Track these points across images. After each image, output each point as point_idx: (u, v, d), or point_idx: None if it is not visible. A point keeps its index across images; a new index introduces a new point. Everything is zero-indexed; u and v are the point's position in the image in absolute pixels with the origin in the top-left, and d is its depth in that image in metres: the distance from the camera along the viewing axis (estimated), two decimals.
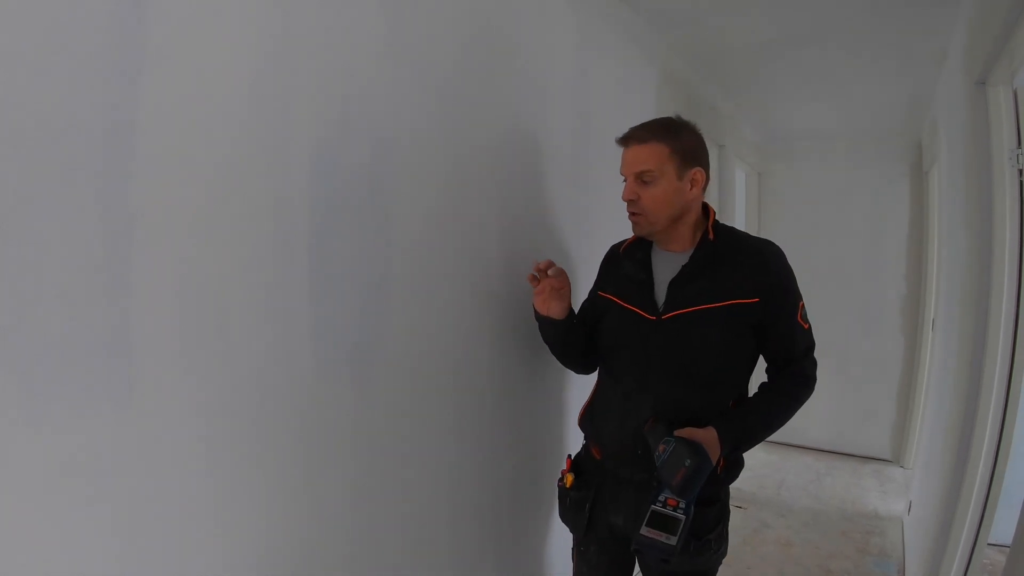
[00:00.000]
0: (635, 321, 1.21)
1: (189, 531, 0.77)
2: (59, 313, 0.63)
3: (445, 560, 1.28)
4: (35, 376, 0.61)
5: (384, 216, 1.05)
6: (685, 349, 1.16)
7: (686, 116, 1.24)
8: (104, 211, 0.66)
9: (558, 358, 1.42)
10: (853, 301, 3.75)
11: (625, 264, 1.27)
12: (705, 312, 1.15)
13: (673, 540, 1.01)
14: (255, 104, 0.82)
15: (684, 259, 1.19)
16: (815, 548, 2.57)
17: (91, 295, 0.66)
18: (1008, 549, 1.27)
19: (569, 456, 1.38)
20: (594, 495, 1.29)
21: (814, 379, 1.23)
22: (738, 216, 3.63)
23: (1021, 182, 1.50)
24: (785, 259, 1.19)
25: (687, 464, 1.03)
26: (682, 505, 1.04)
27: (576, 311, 1.42)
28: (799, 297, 1.19)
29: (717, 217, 1.25)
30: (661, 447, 1.08)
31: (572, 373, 1.72)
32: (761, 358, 1.26)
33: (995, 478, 1.55)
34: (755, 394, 1.22)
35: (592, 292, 1.40)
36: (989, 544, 1.62)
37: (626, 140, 1.20)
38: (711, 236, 1.19)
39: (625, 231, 1.41)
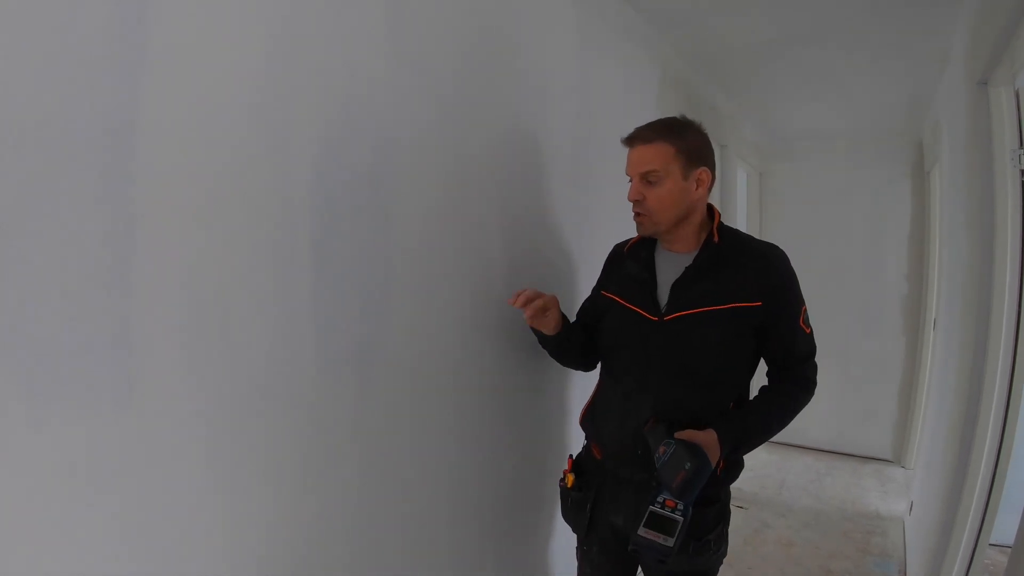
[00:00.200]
0: (637, 321, 1.21)
1: (190, 531, 0.77)
2: (60, 313, 0.63)
3: (447, 560, 1.28)
4: (36, 376, 0.61)
5: (386, 216, 1.05)
6: (686, 350, 1.16)
7: (689, 116, 1.24)
8: (106, 211, 0.67)
9: (556, 360, 1.42)
10: (854, 301, 3.75)
11: (628, 264, 1.27)
12: (707, 314, 1.14)
13: (670, 541, 1.01)
14: (257, 104, 0.82)
15: (688, 260, 1.19)
16: (816, 548, 2.57)
17: (92, 295, 0.66)
18: (1010, 549, 1.27)
19: (571, 456, 1.38)
20: (595, 495, 1.29)
21: (815, 384, 1.23)
22: (739, 216, 3.63)
23: (1023, 182, 1.50)
24: (789, 263, 1.19)
25: (687, 467, 1.03)
26: (680, 507, 1.04)
27: (577, 311, 1.42)
28: (802, 302, 1.19)
29: (721, 219, 1.25)
30: (661, 449, 1.08)
31: (574, 373, 1.72)
32: (763, 361, 1.26)
33: (997, 478, 1.55)
34: (755, 397, 1.22)
35: (595, 291, 1.40)
36: (990, 544, 1.62)
37: (631, 140, 1.20)
38: (716, 238, 1.19)
39: (626, 231, 1.40)
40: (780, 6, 1.95)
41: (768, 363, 1.25)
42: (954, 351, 2.05)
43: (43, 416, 0.62)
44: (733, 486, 1.27)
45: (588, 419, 1.36)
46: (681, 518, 1.03)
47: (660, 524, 1.03)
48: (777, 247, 1.21)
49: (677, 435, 1.09)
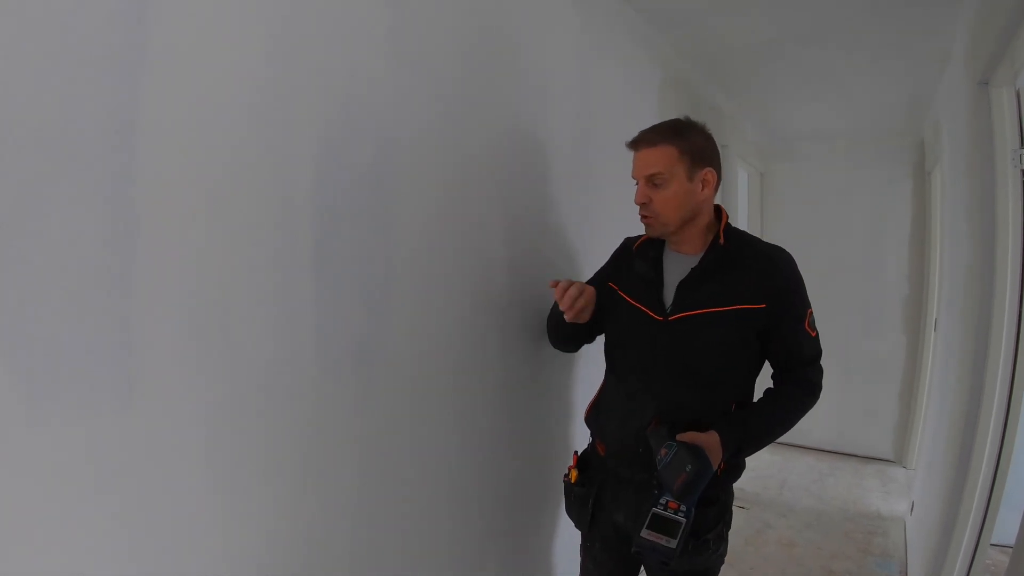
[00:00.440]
0: (642, 320, 1.22)
1: (190, 531, 0.77)
2: (61, 313, 0.63)
3: (449, 559, 1.28)
4: (36, 376, 0.62)
5: (387, 216, 1.05)
6: (690, 351, 1.17)
7: (692, 117, 1.24)
8: (106, 212, 0.67)
9: (554, 339, 1.43)
10: (855, 301, 3.75)
11: (636, 262, 1.28)
12: (712, 315, 1.15)
13: (673, 543, 1.01)
14: (257, 104, 0.82)
15: (694, 261, 1.20)
16: (817, 548, 2.57)
17: (93, 295, 0.66)
18: (1011, 549, 1.27)
19: (576, 452, 1.38)
20: (597, 491, 1.30)
21: (819, 387, 1.23)
22: (740, 216, 3.63)
23: None
24: (795, 266, 1.19)
25: (688, 469, 1.03)
26: (683, 508, 1.04)
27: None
28: (807, 305, 1.19)
29: (728, 220, 1.25)
30: (663, 451, 1.08)
31: (577, 371, 1.73)
32: (767, 364, 1.26)
33: (998, 478, 1.55)
34: (759, 399, 1.22)
35: (600, 276, 1.40)
36: (992, 544, 1.61)
37: (636, 144, 1.21)
38: (722, 241, 1.19)
39: (626, 231, 1.41)
40: (780, 6, 1.95)
41: (773, 365, 1.25)
42: (955, 351, 2.05)
43: (43, 416, 0.62)
44: (735, 486, 1.27)
45: (592, 416, 1.37)
46: (684, 520, 1.03)
47: (663, 526, 1.04)
48: (783, 250, 1.21)
49: (679, 437, 1.09)
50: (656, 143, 1.17)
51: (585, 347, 1.57)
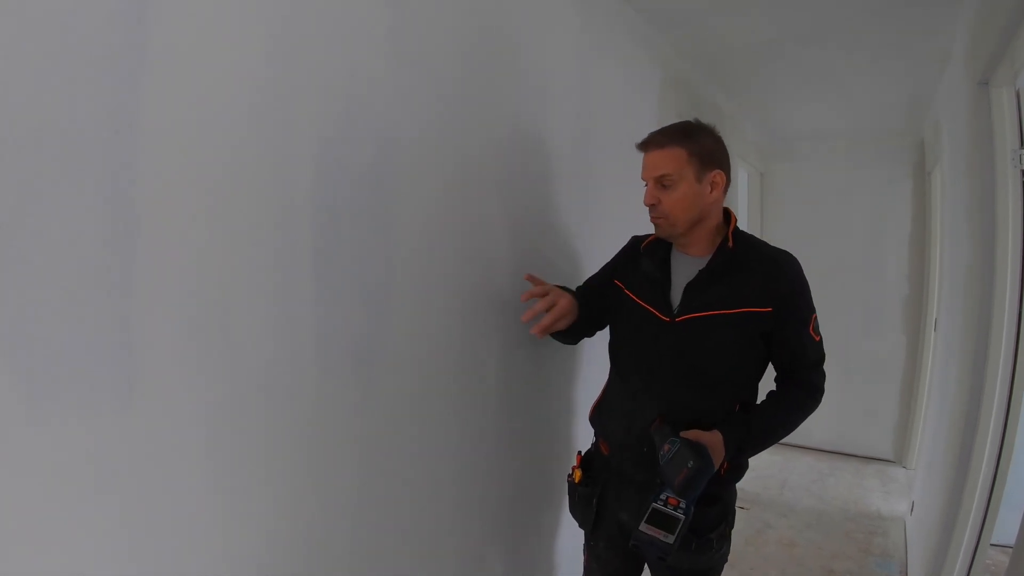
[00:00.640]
0: (648, 320, 1.22)
1: (190, 531, 0.77)
2: (61, 313, 0.63)
3: (451, 559, 1.29)
4: (36, 376, 0.62)
5: (387, 216, 1.05)
6: (695, 352, 1.17)
7: (689, 116, 1.25)
8: (107, 212, 0.67)
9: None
10: (855, 301, 3.75)
11: (644, 262, 1.28)
12: (718, 317, 1.15)
13: (671, 538, 1.02)
14: (257, 104, 0.82)
15: (701, 263, 1.20)
16: (818, 548, 2.57)
17: (93, 295, 0.66)
18: (1011, 549, 1.27)
19: (579, 452, 1.39)
20: (601, 491, 1.30)
21: (822, 391, 1.23)
22: (740, 216, 3.62)
23: (1023, 182, 1.50)
24: (801, 271, 1.20)
25: (690, 465, 1.04)
26: (683, 505, 1.05)
27: (585, 282, 1.44)
28: (812, 310, 1.20)
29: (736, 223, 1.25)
30: (666, 447, 1.09)
31: (579, 370, 1.73)
32: (770, 366, 1.27)
33: (998, 478, 1.55)
34: (762, 402, 1.23)
35: (607, 272, 1.40)
36: (992, 544, 1.61)
37: (645, 145, 1.20)
38: (730, 244, 1.19)
39: (626, 230, 1.41)
40: (780, 6, 1.95)
41: (776, 368, 1.26)
42: (955, 351, 2.05)
43: (43, 416, 0.62)
44: (736, 486, 1.27)
45: (596, 415, 1.37)
46: (683, 516, 1.04)
47: (662, 521, 1.05)
48: (790, 254, 1.21)
49: (683, 435, 1.10)
50: (665, 145, 1.17)
51: (587, 348, 1.58)
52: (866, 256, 3.75)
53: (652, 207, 1.20)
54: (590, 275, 1.47)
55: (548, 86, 1.54)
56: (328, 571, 0.98)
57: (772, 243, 1.25)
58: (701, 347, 1.17)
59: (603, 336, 1.48)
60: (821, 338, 1.22)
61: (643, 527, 1.05)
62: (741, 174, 3.68)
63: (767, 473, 3.40)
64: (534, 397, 1.55)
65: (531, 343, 1.46)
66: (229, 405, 0.81)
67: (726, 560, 1.25)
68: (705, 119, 1.25)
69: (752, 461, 1.30)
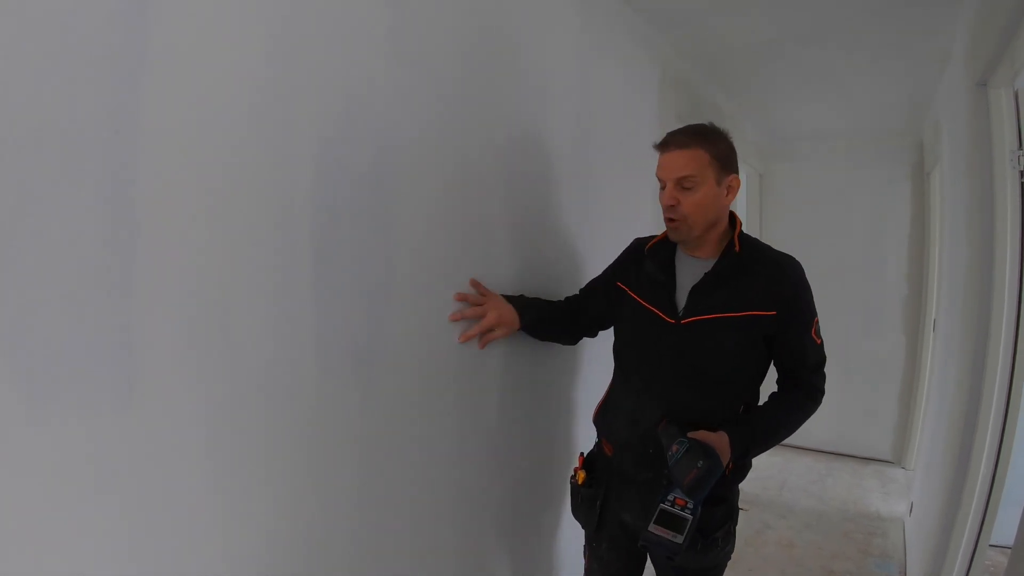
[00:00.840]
0: (653, 322, 1.22)
1: (190, 531, 0.77)
2: (61, 313, 0.63)
3: (451, 560, 1.29)
4: (36, 376, 0.62)
5: (388, 217, 1.05)
6: (700, 354, 1.18)
7: (687, 116, 1.25)
8: (107, 212, 0.67)
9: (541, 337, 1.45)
10: (854, 302, 3.75)
11: (647, 263, 1.28)
12: (724, 320, 1.16)
13: (679, 539, 1.03)
14: (257, 105, 0.82)
15: (707, 266, 1.21)
16: (817, 549, 2.57)
17: (93, 296, 0.66)
18: (1010, 550, 1.27)
19: (581, 453, 1.39)
20: (604, 492, 1.30)
21: (822, 392, 1.25)
22: (740, 217, 3.62)
23: (1022, 183, 1.50)
24: (803, 274, 1.21)
25: (699, 465, 1.05)
26: (690, 505, 1.06)
27: (586, 285, 1.45)
28: (814, 313, 1.21)
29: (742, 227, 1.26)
30: (674, 447, 1.09)
31: (580, 371, 1.73)
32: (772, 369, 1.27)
33: (996, 479, 1.55)
34: (765, 404, 1.24)
35: (608, 276, 1.40)
36: (991, 545, 1.61)
37: (666, 145, 1.19)
38: (737, 248, 1.20)
39: (626, 230, 1.41)
40: (780, 6, 1.95)
41: (778, 370, 1.27)
42: (954, 352, 2.05)
43: (43, 416, 0.62)
44: None
45: (600, 416, 1.37)
46: (690, 516, 1.05)
47: (670, 521, 1.06)
48: (793, 258, 1.22)
49: (690, 435, 1.11)
50: (689, 145, 1.16)
51: (588, 348, 1.58)
52: (865, 256, 3.75)
53: (671, 208, 1.18)
54: (590, 275, 1.48)
55: (548, 86, 1.54)
56: (328, 571, 0.98)
57: (772, 244, 1.26)
58: (705, 349, 1.17)
59: (603, 337, 1.48)
60: (822, 341, 1.23)
61: (652, 527, 1.06)
62: (740, 175, 3.67)
63: (766, 474, 3.40)
64: (534, 397, 1.55)
65: (532, 343, 1.46)
66: (229, 405, 0.81)
67: (730, 557, 1.26)
68: (705, 119, 1.25)
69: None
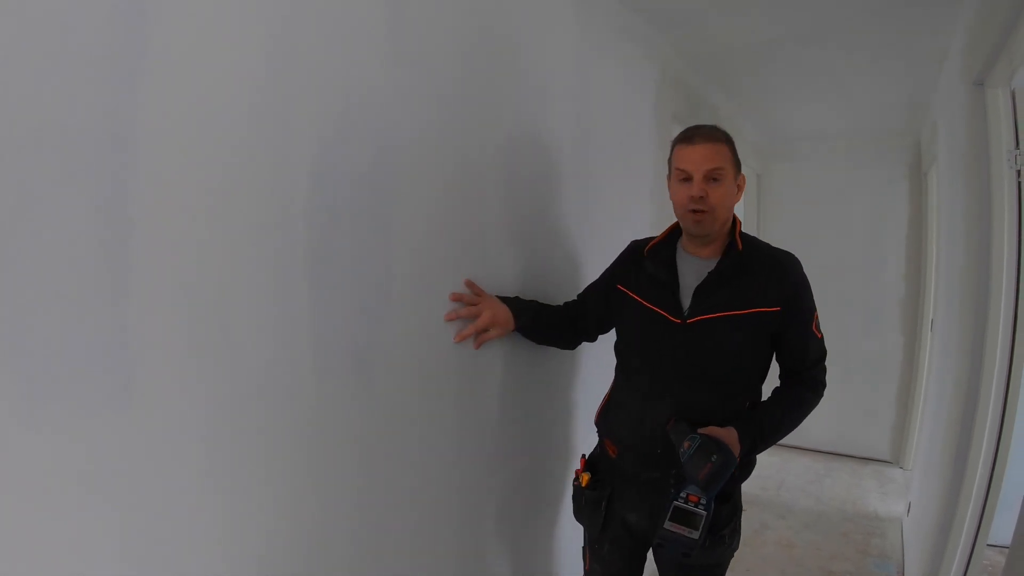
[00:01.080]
0: (659, 322, 1.23)
1: (188, 534, 0.77)
2: (58, 315, 0.63)
3: (452, 560, 1.29)
4: (33, 378, 0.62)
5: (387, 218, 1.05)
6: (706, 353, 1.19)
7: (685, 116, 1.25)
8: (104, 214, 0.67)
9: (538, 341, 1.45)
10: (853, 302, 3.75)
11: (648, 264, 1.29)
12: (730, 318, 1.17)
13: (695, 534, 1.05)
14: (256, 106, 0.82)
15: (708, 265, 1.22)
16: (816, 549, 2.57)
17: (91, 297, 0.66)
18: (1007, 550, 1.27)
19: (583, 455, 1.38)
20: (610, 493, 1.30)
21: (824, 385, 1.27)
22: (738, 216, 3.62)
23: (1019, 183, 1.50)
24: (802, 270, 1.22)
25: (714, 459, 1.07)
26: (703, 501, 1.07)
27: (583, 291, 1.46)
28: (814, 308, 1.23)
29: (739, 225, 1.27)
30: (686, 443, 1.10)
31: (579, 372, 1.73)
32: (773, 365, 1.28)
33: (994, 479, 1.55)
34: (769, 398, 1.25)
35: (607, 280, 1.40)
36: (988, 545, 1.61)
37: (691, 139, 1.19)
38: (740, 246, 1.21)
39: (626, 230, 1.41)
40: (779, 6, 1.95)
41: (781, 366, 1.28)
42: (951, 351, 2.05)
43: (41, 417, 0.62)
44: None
45: (603, 418, 1.37)
46: (704, 512, 1.07)
47: (684, 518, 1.07)
48: (791, 254, 1.24)
49: (700, 431, 1.12)
50: (716, 139, 1.18)
51: (587, 350, 1.57)
52: (864, 257, 3.76)
53: (700, 200, 1.16)
54: (589, 275, 1.48)
55: (548, 87, 1.54)
56: (327, 572, 0.98)
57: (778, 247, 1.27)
58: (712, 348, 1.18)
59: (602, 338, 1.48)
60: (822, 335, 1.25)
61: (667, 525, 1.07)
62: None
63: (765, 474, 3.40)
64: (534, 398, 1.55)
65: (531, 344, 1.46)
66: (228, 405, 0.81)
67: (733, 554, 1.27)
68: (703, 120, 1.26)
69: None
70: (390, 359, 1.08)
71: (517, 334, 1.38)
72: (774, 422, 1.20)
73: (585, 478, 1.33)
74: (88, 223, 0.65)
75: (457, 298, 1.23)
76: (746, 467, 1.24)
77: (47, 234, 0.62)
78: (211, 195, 0.78)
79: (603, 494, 1.30)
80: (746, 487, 1.31)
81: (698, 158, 1.17)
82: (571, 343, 1.47)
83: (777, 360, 1.27)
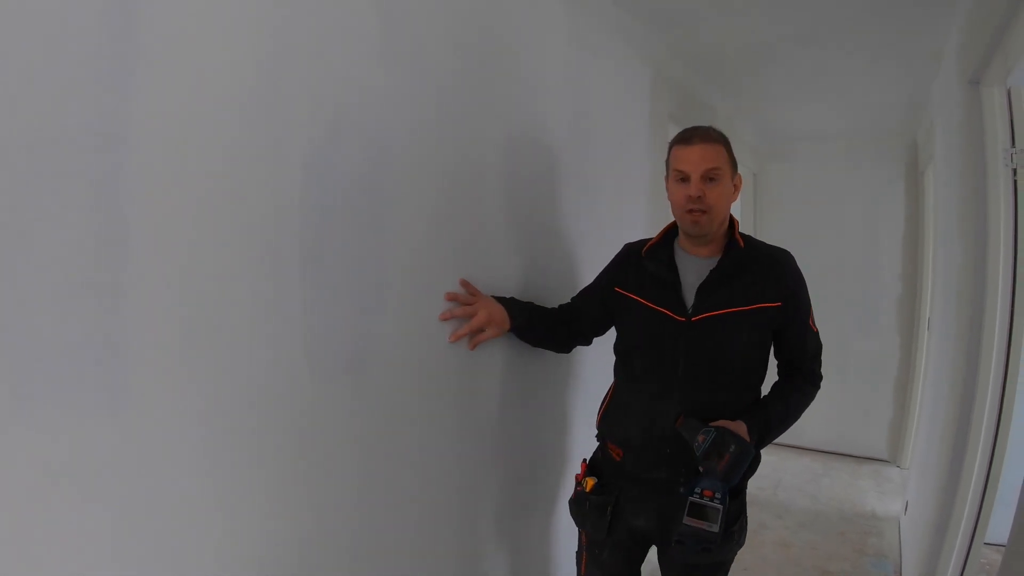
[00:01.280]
0: (662, 322, 1.23)
1: (182, 537, 0.77)
2: (50, 316, 0.63)
3: (451, 561, 1.28)
4: (28, 378, 0.61)
5: (380, 220, 1.04)
6: (712, 351, 1.20)
7: (680, 116, 1.25)
8: (97, 215, 0.66)
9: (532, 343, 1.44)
10: (850, 301, 3.76)
11: (648, 265, 1.28)
12: (734, 315, 1.18)
13: (715, 527, 1.06)
14: (249, 109, 0.82)
15: (710, 264, 1.22)
16: (813, 549, 2.57)
17: (83, 299, 0.65)
18: (1004, 548, 1.27)
19: (584, 460, 1.37)
20: (616, 497, 1.29)
21: (821, 378, 1.30)
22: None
23: (1015, 181, 1.51)
24: (797, 265, 1.25)
25: (732, 450, 1.08)
26: (718, 495, 1.08)
27: (578, 294, 1.45)
28: (810, 303, 1.26)
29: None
30: (701, 437, 1.11)
31: (578, 374, 1.73)
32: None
33: (991, 477, 1.55)
34: (771, 392, 1.27)
35: (603, 284, 1.39)
36: (985, 543, 1.62)
37: (689, 139, 1.20)
38: (740, 244, 1.23)
39: (624, 230, 1.40)
40: (777, 6, 1.95)
41: (780, 361, 1.31)
42: (948, 351, 2.05)
43: (33, 418, 0.62)
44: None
45: (605, 421, 1.36)
46: (720, 506, 1.07)
47: (701, 513, 1.08)
48: (786, 250, 1.26)
49: (712, 424, 1.13)
50: (713, 139, 1.20)
51: (585, 351, 1.57)
52: (861, 256, 3.76)
53: (698, 199, 1.17)
54: (586, 277, 1.47)
55: (542, 88, 1.54)
56: (326, 574, 0.98)
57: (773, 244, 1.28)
58: (717, 344, 1.19)
59: (600, 340, 1.48)
60: (818, 329, 1.28)
61: (687, 520, 1.08)
62: None
63: (761, 473, 3.37)
64: (532, 399, 1.55)
65: (528, 346, 1.46)
66: (222, 407, 0.81)
67: (739, 548, 1.29)
68: (700, 120, 1.26)
69: None
70: (387, 360, 1.07)
71: (514, 337, 1.37)
72: (780, 414, 1.22)
73: (590, 483, 1.31)
74: (79, 225, 0.65)
75: (452, 298, 1.22)
76: (753, 462, 1.24)
77: (38, 235, 0.61)
78: (205, 195, 0.77)
79: (609, 499, 1.28)
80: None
81: (695, 159, 1.18)
82: (565, 346, 1.46)
83: (775, 355, 1.30)
